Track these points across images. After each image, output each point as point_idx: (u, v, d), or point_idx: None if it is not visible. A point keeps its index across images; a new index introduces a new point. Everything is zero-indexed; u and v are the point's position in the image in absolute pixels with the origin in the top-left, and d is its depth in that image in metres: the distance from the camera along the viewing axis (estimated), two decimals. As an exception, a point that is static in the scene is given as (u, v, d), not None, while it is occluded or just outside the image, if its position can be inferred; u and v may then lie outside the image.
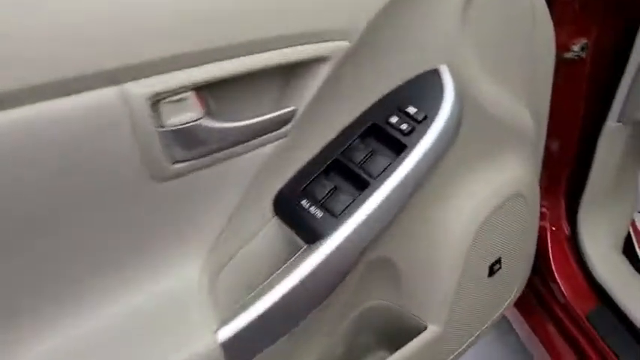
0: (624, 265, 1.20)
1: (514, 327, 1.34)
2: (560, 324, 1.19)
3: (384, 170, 0.66)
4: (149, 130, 0.52)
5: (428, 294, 0.87)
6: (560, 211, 1.21)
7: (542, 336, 1.22)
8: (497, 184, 0.86)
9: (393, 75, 0.70)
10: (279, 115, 0.60)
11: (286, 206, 0.67)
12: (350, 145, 0.68)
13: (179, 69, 0.51)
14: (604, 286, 1.16)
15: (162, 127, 0.52)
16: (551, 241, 1.21)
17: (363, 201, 0.64)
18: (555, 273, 1.20)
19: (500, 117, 0.82)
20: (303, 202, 0.66)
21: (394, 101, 0.70)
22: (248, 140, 0.59)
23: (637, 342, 1.10)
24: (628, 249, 1.25)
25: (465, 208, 0.83)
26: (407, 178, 0.65)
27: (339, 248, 0.63)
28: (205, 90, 0.55)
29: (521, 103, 0.86)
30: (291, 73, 0.61)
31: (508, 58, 0.81)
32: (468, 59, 0.74)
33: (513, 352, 1.52)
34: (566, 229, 1.22)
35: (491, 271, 0.93)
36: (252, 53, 0.55)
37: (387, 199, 0.65)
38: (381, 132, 0.69)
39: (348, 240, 0.63)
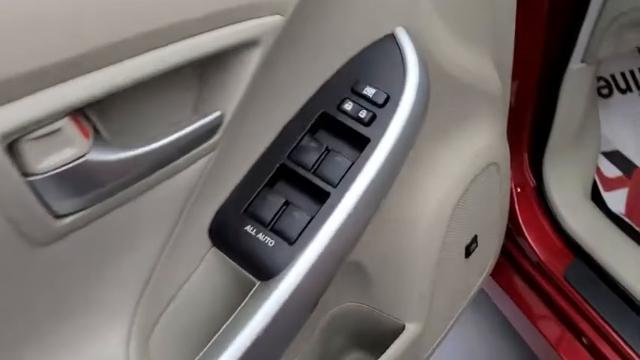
0: (595, 214, 1.12)
1: (487, 292, 1.26)
2: (536, 284, 1.11)
3: (345, 174, 0.52)
4: (12, 182, 0.35)
5: (403, 294, 0.75)
6: (524, 165, 1.11)
7: (516, 299, 1.14)
8: (469, 158, 0.74)
9: (341, 49, 0.55)
10: (201, 126, 0.44)
11: (226, 235, 0.52)
12: (297, 144, 0.54)
13: (42, 88, 0.35)
14: (577, 239, 1.09)
15: (30, 174, 0.36)
16: (517, 198, 1.12)
17: (325, 218, 0.50)
18: (525, 231, 1.11)
19: (468, 81, 0.69)
20: (248, 228, 0.51)
21: (345, 81, 0.55)
22: (162, 167, 0.43)
23: (617, 295, 1.04)
24: (596, 195, 1.18)
25: (436, 193, 0.71)
26: (376, 180, 0.52)
27: (302, 283, 0.49)
28: (90, 111, 0.39)
29: (487, 59, 0.73)
30: (210, 67, 0.45)
31: (470, 10, 0.67)
32: (428, 18, 0.60)
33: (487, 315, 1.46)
34: (531, 183, 1.13)
35: (468, 252, 0.82)
36: (153, 49, 0.39)
37: (355, 210, 0.51)
38: (335, 123, 0.54)
39: (312, 270, 0.50)
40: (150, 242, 0.47)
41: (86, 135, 0.38)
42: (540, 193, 1.12)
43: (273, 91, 0.51)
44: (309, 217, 0.51)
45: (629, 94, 1.33)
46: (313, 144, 0.53)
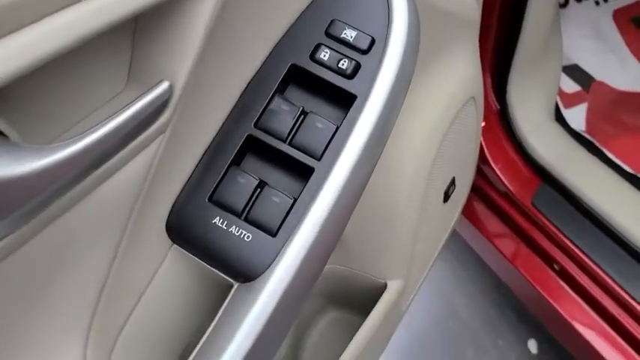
0: (559, 135, 1.08)
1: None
2: (504, 214, 1.07)
3: (330, 142, 0.42)
4: None
5: (384, 253, 0.68)
6: (487, 88, 1.04)
7: (485, 230, 1.11)
8: (449, 95, 0.65)
9: None
10: (145, 106, 0.33)
11: (190, 230, 0.42)
12: (265, 108, 0.43)
13: None
14: (542, 163, 1.04)
15: None
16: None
17: (311, 200, 0.41)
18: (491, 160, 1.05)
19: (448, 9, 0.59)
20: (217, 220, 0.41)
21: (317, 23, 0.44)
22: (99, 166, 0.32)
23: (585, 217, 1.01)
24: (559, 115, 1.13)
25: (417, 142, 0.62)
26: (368, 145, 0.42)
27: (292, 281, 0.40)
28: None
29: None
30: (149, 21, 0.33)
31: None
32: None
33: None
34: (495, 107, 1.06)
35: (447, 197, 0.76)
36: (69, 5, 0.27)
37: (346, 186, 0.41)
38: (309, 78, 0.44)
39: (302, 265, 0.41)
40: (95, 255, 0.37)
41: None
42: (504, 117, 1.06)
43: (228, 44, 0.40)
44: (292, 200, 0.41)
45: (584, 2, 1.27)
46: (285, 106, 0.43)
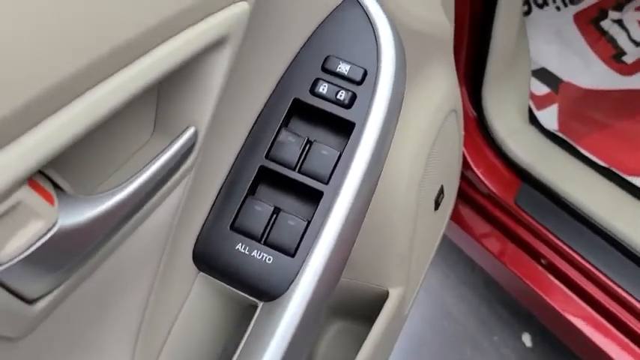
0: (535, 136, 1.14)
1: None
2: (489, 215, 1.13)
3: (335, 167, 0.46)
4: None
5: (384, 262, 0.72)
6: (463, 97, 1.09)
7: (472, 232, 1.16)
8: (432, 110, 0.70)
9: (303, 23, 0.48)
10: (176, 152, 0.37)
11: (216, 258, 0.46)
12: (274, 140, 0.47)
13: None
14: (521, 164, 1.10)
15: (-9, 266, 0.28)
16: (461, 133, 1.11)
17: (323, 221, 0.45)
18: (472, 165, 1.11)
19: (424, 31, 0.64)
20: (239, 247, 0.45)
21: (314, 60, 0.49)
22: (140, 209, 0.36)
23: (566, 212, 1.07)
24: (532, 117, 1.19)
25: (408, 156, 0.67)
26: (369, 167, 0.47)
27: (313, 296, 0.44)
28: (49, 169, 0.30)
29: (437, 2, 0.68)
30: (173, 78, 0.37)
31: None
32: None
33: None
34: (472, 114, 1.12)
35: (437, 205, 0.80)
36: (105, 78, 0.31)
37: (353, 205, 0.46)
38: (311, 110, 0.48)
39: (321, 280, 0.45)
40: (136, 289, 0.40)
41: (50, 199, 0.30)
42: (482, 124, 1.11)
43: (238, 86, 0.44)
44: (306, 222, 0.45)
45: (546, 8, 1.34)
46: (291, 138, 0.47)
